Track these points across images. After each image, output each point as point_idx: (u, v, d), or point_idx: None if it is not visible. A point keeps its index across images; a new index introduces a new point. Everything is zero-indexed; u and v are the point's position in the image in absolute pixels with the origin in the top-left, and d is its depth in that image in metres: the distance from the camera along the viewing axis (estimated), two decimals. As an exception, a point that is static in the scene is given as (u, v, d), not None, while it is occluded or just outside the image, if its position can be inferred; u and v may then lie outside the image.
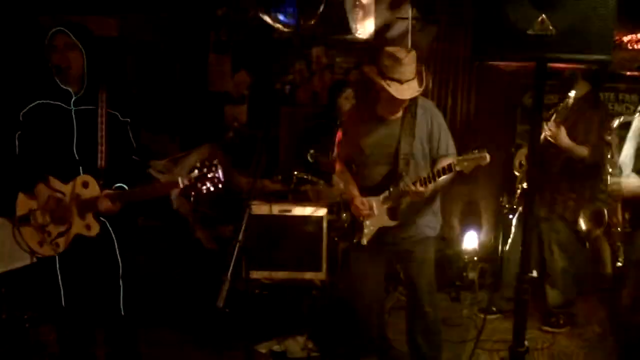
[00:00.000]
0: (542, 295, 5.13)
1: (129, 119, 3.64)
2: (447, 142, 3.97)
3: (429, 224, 4.07)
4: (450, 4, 6.19)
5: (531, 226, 2.91)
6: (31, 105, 3.50)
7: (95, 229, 3.50)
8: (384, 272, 4.29)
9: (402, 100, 3.77)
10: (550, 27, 2.47)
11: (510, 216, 5.62)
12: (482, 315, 5.07)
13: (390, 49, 3.76)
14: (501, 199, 5.67)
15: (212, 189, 3.39)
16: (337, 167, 4.25)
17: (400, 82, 3.70)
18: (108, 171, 3.52)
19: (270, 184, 5.31)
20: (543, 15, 2.47)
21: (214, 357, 4.51)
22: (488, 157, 3.59)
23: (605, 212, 3.76)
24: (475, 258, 5.92)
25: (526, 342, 2.88)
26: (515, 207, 5.14)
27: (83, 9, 6.24)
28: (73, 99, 3.50)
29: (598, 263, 5.42)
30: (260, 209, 4.79)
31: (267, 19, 6.19)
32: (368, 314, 4.30)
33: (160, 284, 5.08)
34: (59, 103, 3.50)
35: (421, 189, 3.73)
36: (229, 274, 3.04)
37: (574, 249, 4.99)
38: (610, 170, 3.69)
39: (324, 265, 4.82)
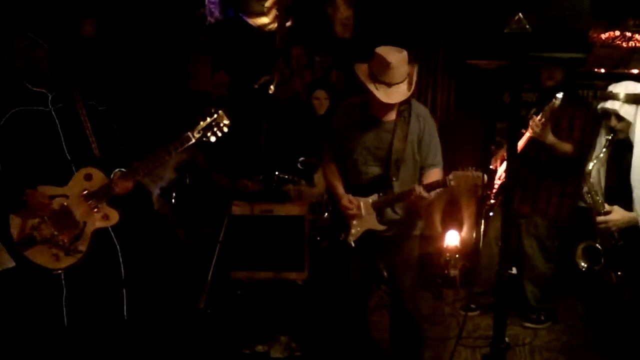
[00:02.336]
0: (522, 291, 5.17)
1: (106, 107, 3.61)
2: (435, 152, 3.95)
3: (413, 222, 4.07)
4: (429, 3, 6.21)
5: (510, 223, 2.92)
6: (7, 116, 3.40)
7: (115, 216, 3.47)
8: (367, 270, 4.30)
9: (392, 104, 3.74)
10: (527, 26, 2.49)
11: (491, 213, 5.67)
12: (463, 313, 5.10)
13: (381, 50, 3.70)
14: (480, 194, 5.71)
15: (219, 134, 3.49)
16: (325, 163, 4.20)
17: (389, 85, 3.66)
18: (104, 159, 3.49)
19: (251, 184, 5.30)
20: (520, 14, 2.49)
21: (196, 359, 4.50)
22: (486, 178, 3.63)
23: (601, 248, 3.82)
24: (457, 255, 5.94)
25: (507, 339, 2.90)
26: (493, 202, 5.17)
27: (62, 11, 6.19)
28: (50, 99, 3.44)
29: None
30: (241, 209, 4.79)
31: (247, 19, 6.18)
32: (352, 312, 4.32)
33: (141, 285, 5.05)
34: (36, 107, 3.42)
35: (425, 193, 3.73)
36: (209, 275, 3.05)
37: (553, 245, 5.04)
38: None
39: (306, 265, 4.82)
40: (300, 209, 4.87)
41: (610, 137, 3.86)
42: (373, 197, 3.92)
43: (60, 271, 3.45)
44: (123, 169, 3.48)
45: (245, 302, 4.88)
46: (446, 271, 5.85)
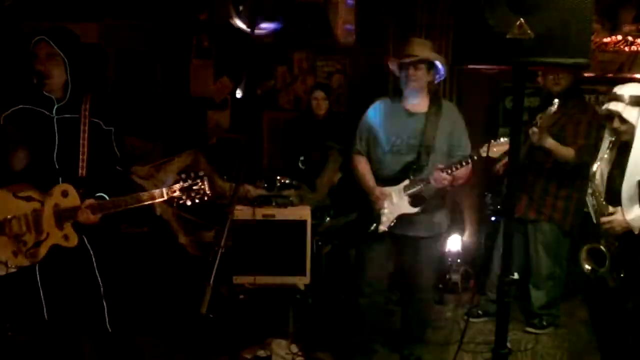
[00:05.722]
0: (525, 297, 5.16)
1: (112, 128, 3.58)
2: (466, 143, 4.21)
3: (441, 221, 4.32)
4: (430, 9, 6.21)
5: (511, 228, 2.92)
6: (14, 109, 3.43)
7: (73, 240, 3.43)
8: (388, 264, 4.44)
9: (421, 81, 4.11)
10: (529, 31, 2.49)
11: (493, 218, 5.66)
12: (465, 317, 5.10)
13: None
14: (486, 200, 5.72)
15: (197, 201, 3.40)
16: (355, 158, 4.39)
17: (409, 56, 4.05)
18: (88, 180, 3.46)
19: (253, 189, 5.29)
20: (521, 19, 2.49)
21: (198, 363, 4.50)
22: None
23: (605, 250, 3.82)
24: (459, 260, 5.94)
25: (509, 344, 2.89)
26: (499, 208, 5.17)
27: (64, 15, 6.21)
28: (55, 107, 3.44)
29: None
30: (243, 214, 4.78)
31: (239, 24, 6.16)
32: (369, 306, 4.43)
33: (143, 291, 5.05)
34: (42, 110, 3.44)
35: (445, 175, 3.93)
36: (211, 280, 3.04)
37: (560, 250, 5.03)
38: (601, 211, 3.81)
39: (308, 269, 4.81)
40: (302, 214, 4.86)
41: (613, 139, 3.85)
42: (405, 183, 4.12)
43: (14, 268, 3.45)
44: (104, 195, 3.46)
45: (246, 306, 4.88)
46: (448, 276, 5.85)
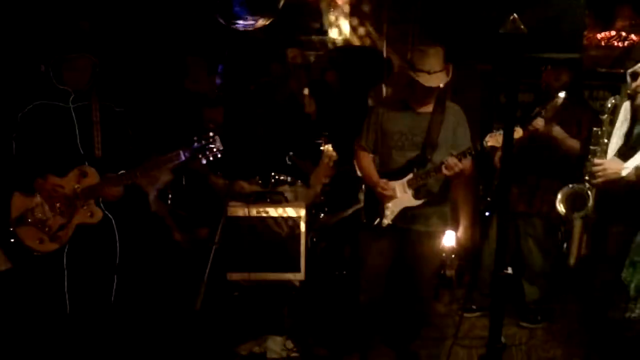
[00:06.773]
0: (519, 291, 5.17)
1: (123, 109, 3.81)
2: (468, 140, 4.26)
3: (445, 216, 4.37)
4: (424, 4, 6.20)
5: (505, 223, 2.93)
6: (30, 107, 3.60)
7: (97, 216, 3.63)
8: (389, 258, 4.42)
9: (432, 90, 4.14)
10: (522, 26, 2.49)
11: (487, 213, 5.66)
12: (460, 313, 5.10)
13: (419, 45, 4.30)
14: (480, 192, 5.72)
15: (211, 158, 3.68)
16: (359, 152, 4.46)
17: (428, 72, 4.06)
18: (105, 160, 3.66)
19: (247, 185, 5.29)
20: (515, 14, 2.49)
21: (193, 360, 4.50)
22: (521, 131, 3.93)
23: (589, 193, 3.74)
24: (453, 256, 5.94)
25: (503, 339, 2.90)
26: (491, 202, 5.17)
27: (61, 14, 6.18)
28: (71, 97, 3.63)
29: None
30: (237, 210, 4.78)
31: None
32: (367, 301, 4.45)
33: (138, 287, 5.04)
34: (58, 103, 3.63)
35: (457, 161, 3.99)
36: (206, 276, 3.05)
37: (551, 244, 5.03)
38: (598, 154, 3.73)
39: (303, 266, 4.82)
40: (296, 210, 4.86)
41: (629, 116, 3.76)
42: (408, 177, 4.19)
43: (40, 253, 3.60)
44: (122, 172, 3.61)
45: (241, 303, 4.88)
46: (442, 271, 5.84)
